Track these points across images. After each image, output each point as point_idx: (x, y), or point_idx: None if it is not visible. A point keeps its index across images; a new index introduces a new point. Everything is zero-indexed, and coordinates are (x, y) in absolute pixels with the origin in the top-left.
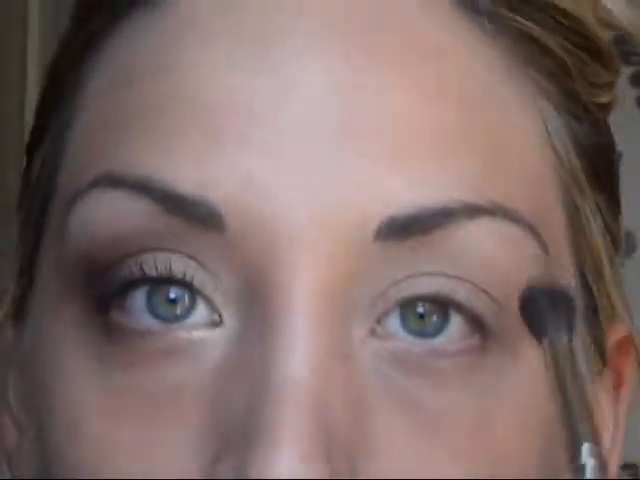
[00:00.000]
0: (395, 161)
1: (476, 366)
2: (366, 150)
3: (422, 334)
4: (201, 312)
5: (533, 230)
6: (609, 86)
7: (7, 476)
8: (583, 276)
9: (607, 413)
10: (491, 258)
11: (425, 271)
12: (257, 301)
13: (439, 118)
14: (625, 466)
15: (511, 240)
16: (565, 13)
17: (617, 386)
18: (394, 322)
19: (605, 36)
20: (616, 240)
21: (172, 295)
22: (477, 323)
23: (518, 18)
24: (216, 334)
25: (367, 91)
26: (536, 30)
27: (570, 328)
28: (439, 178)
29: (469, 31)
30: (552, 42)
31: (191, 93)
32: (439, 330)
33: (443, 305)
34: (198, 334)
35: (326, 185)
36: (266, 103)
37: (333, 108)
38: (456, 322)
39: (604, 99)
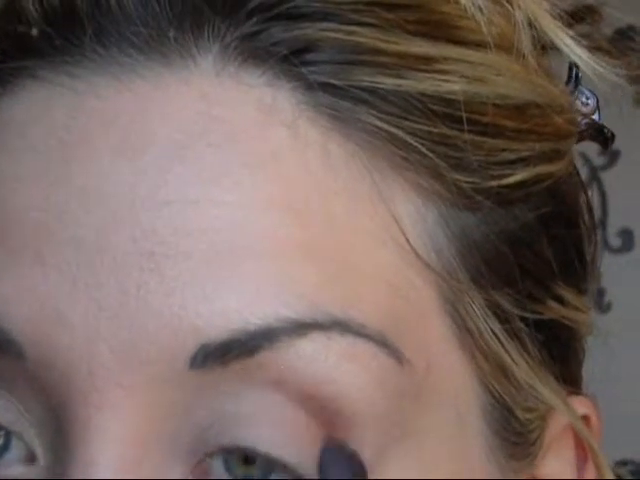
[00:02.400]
0: (208, 284)
1: None
2: (174, 274)
3: None
4: (15, 449)
5: (380, 341)
6: (526, 160)
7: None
8: (484, 382)
9: None
10: (325, 376)
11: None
12: (64, 437)
13: (267, 232)
14: (623, 463)
15: (352, 355)
16: (446, 100)
17: (582, 462)
18: (217, 464)
19: (526, 95)
20: (552, 327)
21: None
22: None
23: (372, 114)
24: (30, 471)
25: (176, 207)
26: (393, 124)
27: None
28: (263, 297)
29: (316, 129)
30: (415, 136)
31: None
32: (266, 474)
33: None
34: (13, 471)
35: (128, 314)
36: (64, 220)
37: (136, 226)
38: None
39: (518, 177)
